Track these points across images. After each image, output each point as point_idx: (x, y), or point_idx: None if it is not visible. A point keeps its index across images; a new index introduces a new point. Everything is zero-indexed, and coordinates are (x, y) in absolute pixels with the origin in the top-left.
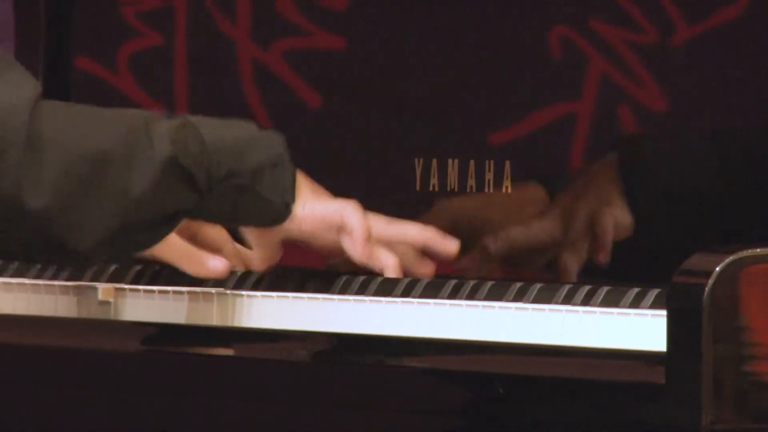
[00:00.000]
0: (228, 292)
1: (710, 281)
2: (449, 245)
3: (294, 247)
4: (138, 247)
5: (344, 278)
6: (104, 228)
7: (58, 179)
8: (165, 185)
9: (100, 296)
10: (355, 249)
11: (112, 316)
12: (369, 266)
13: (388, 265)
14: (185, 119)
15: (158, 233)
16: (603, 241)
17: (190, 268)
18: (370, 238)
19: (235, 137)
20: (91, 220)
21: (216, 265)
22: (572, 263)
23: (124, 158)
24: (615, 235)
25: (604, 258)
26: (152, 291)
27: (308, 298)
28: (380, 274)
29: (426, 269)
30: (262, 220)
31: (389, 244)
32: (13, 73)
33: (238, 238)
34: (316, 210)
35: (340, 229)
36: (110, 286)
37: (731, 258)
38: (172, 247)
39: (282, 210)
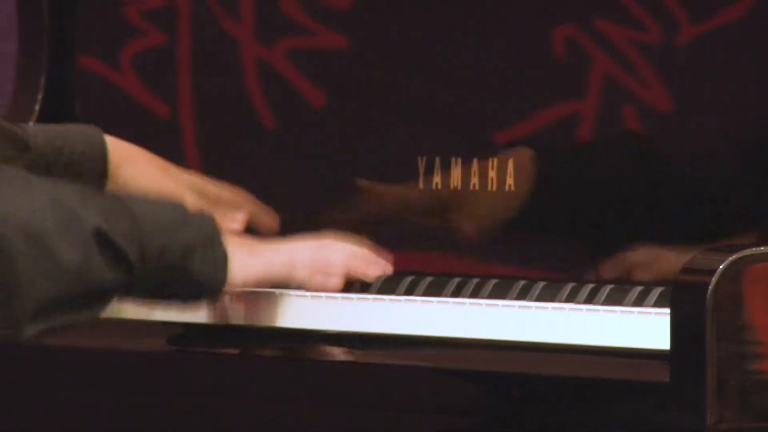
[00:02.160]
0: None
1: (714, 279)
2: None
3: None
4: (68, 325)
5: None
6: (38, 300)
7: None
8: (96, 258)
9: None
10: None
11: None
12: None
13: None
14: (115, 197)
15: (92, 309)
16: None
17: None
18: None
19: (166, 216)
20: (22, 292)
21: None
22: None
23: (56, 230)
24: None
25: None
26: None
27: (311, 296)
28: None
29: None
30: (196, 296)
31: None
32: None
33: None
34: (257, 268)
35: (288, 273)
36: None
37: (735, 256)
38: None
39: (215, 286)
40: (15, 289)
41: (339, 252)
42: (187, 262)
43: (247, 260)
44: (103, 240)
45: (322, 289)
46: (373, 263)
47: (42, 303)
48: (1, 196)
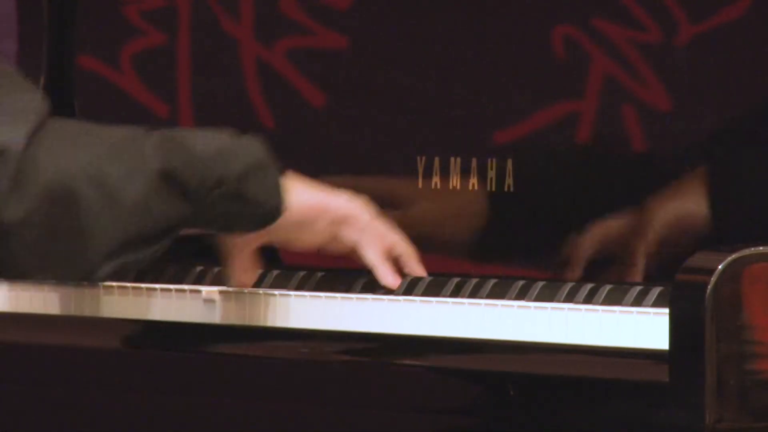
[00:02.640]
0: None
1: (713, 279)
2: (418, 269)
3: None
4: (141, 261)
5: (345, 277)
6: (108, 240)
7: (48, 200)
8: (160, 195)
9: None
10: (368, 242)
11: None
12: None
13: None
14: (167, 133)
15: (157, 246)
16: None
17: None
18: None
19: (216, 145)
20: (92, 235)
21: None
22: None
23: (119, 172)
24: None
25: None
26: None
27: (310, 296)
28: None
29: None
30: (254, 224)
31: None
32: (14, 99)
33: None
34: (316, 198)
35: (340, 221)
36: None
37: (734, 256)
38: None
39: (274, 210)
40: (87, 234)
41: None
42: (242, 188)
43: (303, 188)
44: (165, 177)
45: (364, 253)
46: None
47: (113, 245)
48: (63, 149)
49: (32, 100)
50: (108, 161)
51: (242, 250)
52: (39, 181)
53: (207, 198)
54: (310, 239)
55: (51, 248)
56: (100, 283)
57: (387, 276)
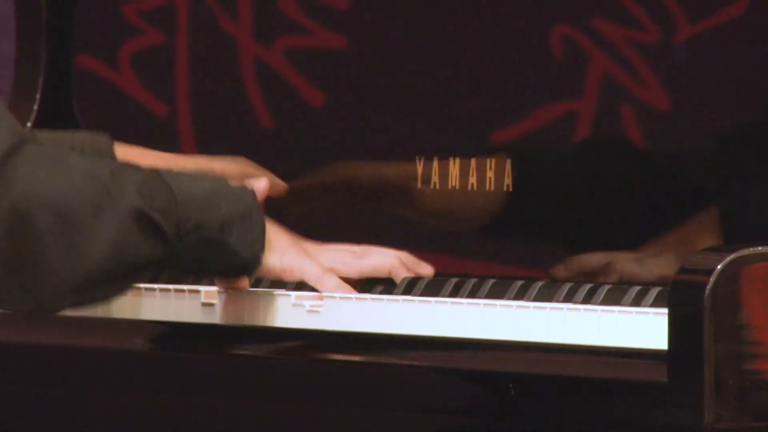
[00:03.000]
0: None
1: (711, 279)
2: (424, 269)
3: None
4: (106, 298)
5: (344, 277)
6: (68, 281)
7: (7, 229)
8: (131, 235)
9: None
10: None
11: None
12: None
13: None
14: (153, 171)
15: (125, 285)
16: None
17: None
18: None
19: (204, 189)
20: (54, 274)
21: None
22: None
23: (90, 209)
24: None
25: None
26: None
27: (309, 296)
28: None
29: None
30: (231, 271)
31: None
32: None
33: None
34: (294, 264)
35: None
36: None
37: (732, 256)
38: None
39: (251, 261)
40: (41, 269)
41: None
42: (224, 237)
43: (285, 251)
44: (139, 216)
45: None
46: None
47: (72, 282)
48: (33, 174)
49: (5, 124)
50: (78, 195)
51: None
52: (2, 206)
53: (183, 241)
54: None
55: (8, 279)
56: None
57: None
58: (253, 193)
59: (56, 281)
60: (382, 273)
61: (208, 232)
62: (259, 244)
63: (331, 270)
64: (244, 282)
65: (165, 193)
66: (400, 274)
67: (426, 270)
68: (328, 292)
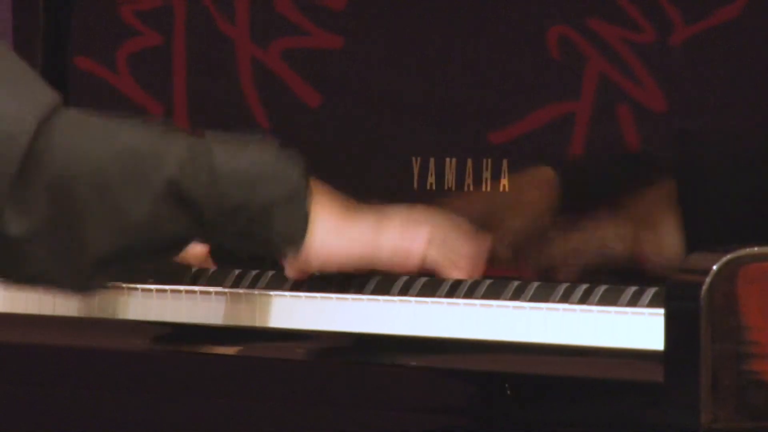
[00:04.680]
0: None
1: (708, 279)
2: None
3: None
4: (138, 272)
5: (340, 277)
6: (102, 251)
7: (48, 201)
8: (167, 211)
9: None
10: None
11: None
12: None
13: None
14: (201, 142)
15: (160, 258)
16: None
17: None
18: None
19: (251, 168)
20: (86, 243)
21: None
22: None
23: (125, 181)
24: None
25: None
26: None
27: (305, 297)
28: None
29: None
30: (268, 253)
31: None
32: (23, 87)
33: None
34: (339, 246)
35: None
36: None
37: (729, 256)
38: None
39: (290, 246)
40: (81, 240)
41: (421, 240)
42: (265, 219)
43: (329, 239)
44: (176, 194)
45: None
46: (457, 262)
47: (107, 255)
48: (73, 143)
49: (42, 92)
50: (116, 168)
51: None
52: (42, 181)
53: (222, 220)
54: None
55: (49, 254)
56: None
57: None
58: (302, 171)
59: (92, 253)
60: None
61: (249, 213)
62: (300, 228)
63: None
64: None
65: (207, 170)
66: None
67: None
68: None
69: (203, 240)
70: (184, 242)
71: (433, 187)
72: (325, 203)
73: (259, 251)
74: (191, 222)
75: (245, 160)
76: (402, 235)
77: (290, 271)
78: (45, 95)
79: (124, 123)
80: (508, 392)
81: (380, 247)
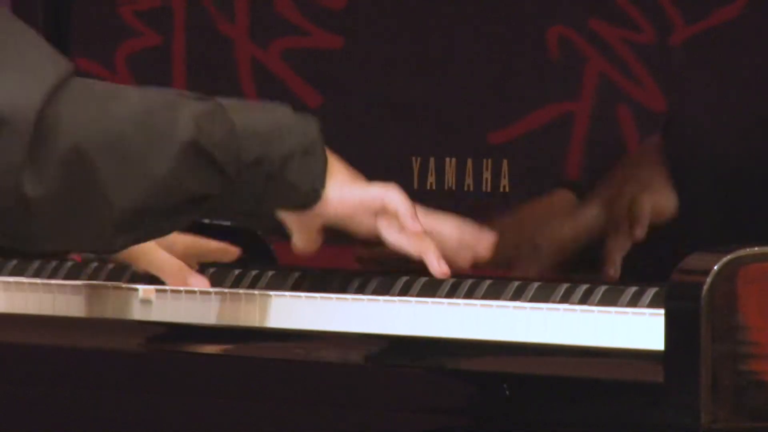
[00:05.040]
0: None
1: (708, 280)
2: (485, 240)
3: (288, 247)
4: (162, 232)
5: (340, 277)
6: (124, 210)
7: (64, 166)
8: (187, 168)
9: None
10: (401, 229)
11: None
12: (408, 251)
13: (429, 249)
14: (216, 103)
15: (183, 218)
16: (640, 225)
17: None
18: (415, 217)
19: (267, 123)
20: (108, 204)
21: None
22: (617, 252)
23: (143, 141)
24: (654, 219)
25: (640, 234)
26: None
27: (305, 297)
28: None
29: (462, 262)
30: (291, 206)
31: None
32: (35, 56)
33: (279, 224)
34: (353, 194)
35: (379, 212)
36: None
37: (729, 257)
38: (162, 262)
39: (310, 196)
40: (104, 205)
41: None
42: (284, 172)
43: (345, 184)
44: (195, 150)
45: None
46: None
47: (129, 213)
48: (84, 112)
49: (52, 59)
50: (132, 129)
51: (304, 227)
52: (56, 149)
53: (242, 176)
54: (356, 231)
55: (69, 219)
56: (90, 283)
57: (433, 263)
58: (317, 124)
59: (116, 218)
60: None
61: (268, 167)
62: (320, 179)
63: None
64: (315, 218)
65: (226, 127)
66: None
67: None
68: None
69: (226, 197)
70: (207, 200)
71: (433, 187)
72: (335, 158)
73: (279, 205)
74: (211, 178)
75: (261, 117)
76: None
77: (299, 240)
78: (55, 65)
79: (134, 89)
80: (507, 393)
81: (390, 202)
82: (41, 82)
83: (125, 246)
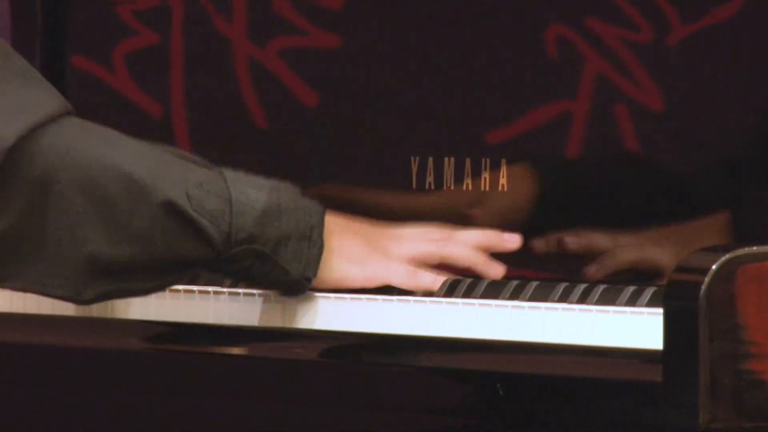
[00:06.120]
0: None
1: (707, 279)
2: (511, 242)
3: None
4: (141, 291)
5: None
6: (96, 256)
7: (31, 201)
8: (168, 229)
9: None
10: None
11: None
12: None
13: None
14: (218, 172)
15: (167, 278)
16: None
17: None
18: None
19: (268, 201)
20: (78, 246)
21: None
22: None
23: (123, 190)
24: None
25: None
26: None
27: (305, 297)
28: None
29: (495, 272)
30: (279, 288)
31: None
32: (24, 91)
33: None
34: (378, 272)
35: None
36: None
37: (728, 256)
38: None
39: (300, 283)
40: (71, 242)
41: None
42: (276, 254)
43: (347, 268)
44: (175, 213)
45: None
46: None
47: (103, 261)
48: (72, 149)
49: (42, 96)
50: (116, 176)
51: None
52: (26, 182)
53: (233, 249)
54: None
55: (35, 256)
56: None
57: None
58: (322, 211)
59: (83, 258)
60: (459, 264)
61: (260, 246)
62: (312, 267)
63: (417, 261)
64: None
65: (221, 199)
66: (477, 270)
67: (494, 271)
68: (422, 290)
69: (215, 266)
70: (192, 265)
71: (432, 187)
72: (346, 237)
73: (267, 284)
74: (197, 247)
75: (261, 193)
76: (411, 258)
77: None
78: (45, 103)
79: (135, 140)
80: (500, 393)
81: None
82: (25, 117)
83: (97, 299)
